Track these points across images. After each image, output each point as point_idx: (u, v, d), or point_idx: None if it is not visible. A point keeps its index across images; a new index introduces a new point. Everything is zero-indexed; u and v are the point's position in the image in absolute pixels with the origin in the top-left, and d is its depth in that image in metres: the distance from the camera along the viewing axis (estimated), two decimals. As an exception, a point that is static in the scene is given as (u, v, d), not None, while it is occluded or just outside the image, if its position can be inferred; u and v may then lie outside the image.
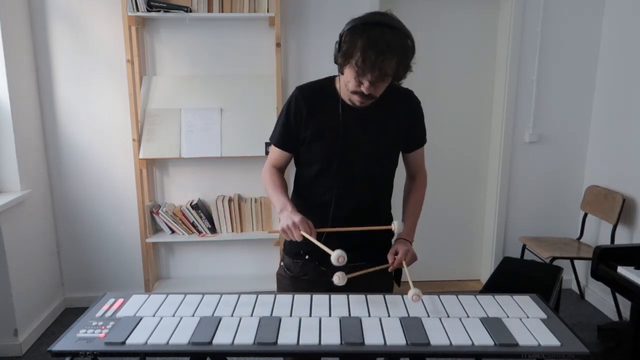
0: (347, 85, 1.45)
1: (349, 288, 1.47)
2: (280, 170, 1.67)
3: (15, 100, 2.75)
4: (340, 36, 1.42)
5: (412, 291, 1.40)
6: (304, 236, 1.43)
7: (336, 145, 1.53)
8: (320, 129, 1.54)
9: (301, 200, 1.64)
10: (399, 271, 1.68)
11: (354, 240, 1.54)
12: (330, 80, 1.57)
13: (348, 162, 1.55)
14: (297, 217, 1.44)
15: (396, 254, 1.55)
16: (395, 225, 1.54)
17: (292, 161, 1.68)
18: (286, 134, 1.59)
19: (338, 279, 1.42)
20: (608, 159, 3.18)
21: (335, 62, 1.44)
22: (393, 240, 1.64)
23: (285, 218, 1.46)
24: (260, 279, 3.27)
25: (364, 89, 1.41)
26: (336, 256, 1.35)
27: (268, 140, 1.68)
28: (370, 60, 1.34)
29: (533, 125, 3.31)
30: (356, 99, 1.46)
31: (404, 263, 1.53)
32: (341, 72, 1.46)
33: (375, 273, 1.53)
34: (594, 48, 3.24)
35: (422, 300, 1.45)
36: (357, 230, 1.53)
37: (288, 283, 1.65)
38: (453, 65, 3.34)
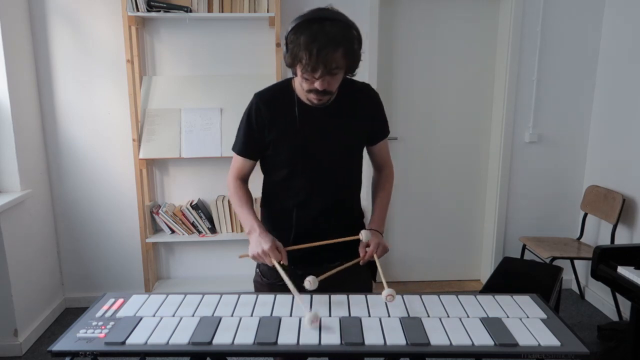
0: (302, 85, 1.46)
1: (327, 289, 1.47)
2: (245, 179, 1.67)
3: (15, 101, 2.75)
4: (285, 38, 1.42)
5: (386, 292, 1.39)
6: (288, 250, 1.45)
7: (300, 147, 1.54)
8: (282, 132, 1.54)
9: (271, 205, 1.65)
10: (374, 268, 1.68)
11: (321, 239, 1.54)
12: (288, 82, 1.57)
13: (314, 162, 1.56)
14: (266, 245, 1.45)
15: (367, 247, 1.54)
16: (363, 235, 1.53)
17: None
18: (249, 142, 1.59)
19: (309, 283, 1.41)
20: (608, 159, 3.18)
21: (286, 65, 1.45)
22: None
23: (255, 243, 1.47)
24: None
25: (317, 85, 1.41)
26: (310, 319, 1.31)
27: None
28: (315, 55, 1.34)
29: (533, 125, 3.31)
30: (313, 98, 1.46)
31: (375, 256, 1.52)
32: (294, 73, 1.46)
33: (353, 273, 1.52)
34: (594, 48, 3.24)
35: (422, 300, 1.45)
36: (325, 244, 1.53)
37: (265, 290, 1.62)
38: (453, 65, 3.34)
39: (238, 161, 1.63)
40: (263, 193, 1.68)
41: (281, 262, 1.46)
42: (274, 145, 1.56)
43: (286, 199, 1.60)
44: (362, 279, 1.64)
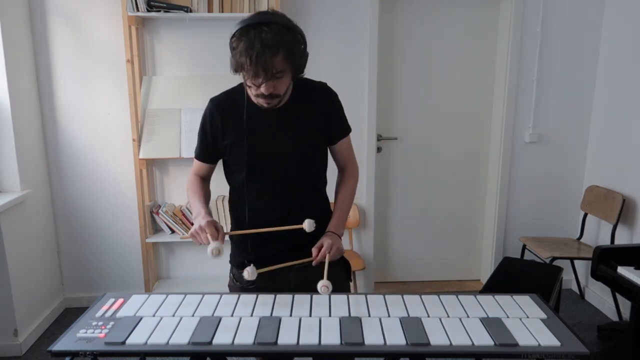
0: (250, 90, 1.47)
1: (303, 288, 1.48)
2: (204, 179, 1.68)
3: (15, 101, 2.75)
4: (230, 44, 1.43)
5: (322, 282, 1.39)
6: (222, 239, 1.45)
7: (255, 150, 1.53)
8: (237, 137, 1.53)
9: (234, 208, 1.65)
10: (348, 269, 1.69)
11: (295, 242, 1.54)
12: (241, 87, 1.56)
13: (270, 164, 1.55)
14: (203, 221, 1.45)
15: (321, 247, 1.53)
16: (306, 224, 1.49)
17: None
18: (205, 147, 1.61)
19: (248, 273, 1.42)
20: (608, 159, 3.18)
21: (232, 71, 1.46)
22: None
23: (195, 223, 1.47)
24: (260, 279, 3.27)
25: (262, 90, 1.41)
26: (210, 249, 1.38)
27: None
28: (255, 62, 1.35)
29: (533, 125, 3.31)
30: (262, 102, 1.47)
31: (326, 258, 1.50)
32: (243, 79, 1.47)
33: (329, 271, 1.49)
34: (594, 48, 3.24)
35: (422, 300, 1.45)
36: (269, 230, 1.52)
37: (237, 293, 1.59)
38: (453, 65, 3.34)
39: (197, 164, 1.67)
40: (229, 196, 1.69)
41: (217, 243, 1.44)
42: (229, 150, 1.56)
43: (247, 202, 1.59)
44: (338, 280, 1.60)
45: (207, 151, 1.62)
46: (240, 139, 1.53)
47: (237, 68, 1.42)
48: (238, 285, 1.64)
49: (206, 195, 1.64)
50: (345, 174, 1.72)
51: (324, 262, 1.49)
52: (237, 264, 1.66)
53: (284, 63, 1.39)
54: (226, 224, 3.13)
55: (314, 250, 1.52)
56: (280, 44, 1.36)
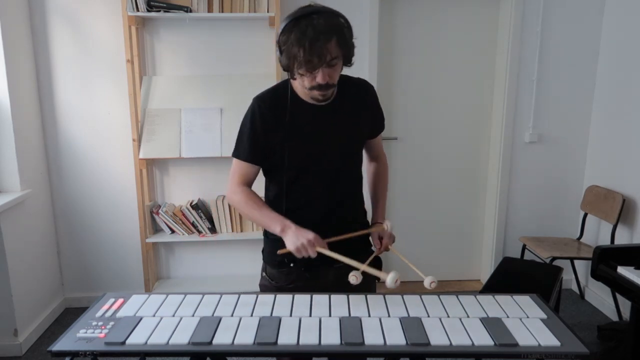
0: (303, 84, 1.45)
1: (341, 288, 1.48)
2: (250, 185, 1.62)
3: (15, 101, 2.75)
4: (277, 42, 1.42)
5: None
6: (318, 251, 1.43)
7: (306, 148, 1.53)
8: (287, 134, 1.51)
9: (276, 208, 1.60)
10: (379, 267, 1.68)
11: (336, 242, 1.53)
12: (286, 84, 1.55)
13: (318, 161, 1.55)
14: (310, 235, 1.43)
15: (380, 238, 1.58)
16: (388, 225, 1.58)
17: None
18: (255, 147, 1.54)
19: (355, 278, 1.42)
20: (608, 159, 3.18)
21: (283, 68, 1.44)
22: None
23: (295, 237, 1.43)
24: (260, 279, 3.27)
25: (318, 79, 1.40)
26: (393, 280, 1.36)
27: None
28: (309, 49, 1.34)
29: (533, 125, 3.31)
30: (317, 94, 1.45)
31: (390, 247, 1.58)
32: (292, 75, 1.45)
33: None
34: (594, 48, 3.24)
35: (422, 300, 1.45)
36: (358, 235, 1.56)
37: (273, 293, 1.58)
38: (453, 65, 3.34)
39: (242, 168, 1.57)
40: (265, 198, 1.65)
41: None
42: (279, 148, 1.53)
43: (292, 201, 1.58)
44: (366, 279, 1.63)
45: (257, 151, 1.54)
46: (285, 137, 1.52)
47: (289, 62, 1.39)
48: (274, 285, 1.62)
49: (265, 203, 1.59)
50: (380, 165, 1.77)
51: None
52: (276, 263, 1.61)
53: (337, 49, 1.38)
54: (226, 224, 3.14)
55: (376, 242, 1.59)
56: (332, 29, 1.36)
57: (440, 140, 3.44)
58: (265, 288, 1.66)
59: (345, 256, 1.45)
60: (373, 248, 1.67)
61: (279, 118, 1.52)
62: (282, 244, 1.49)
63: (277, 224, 1.49)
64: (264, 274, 1.68)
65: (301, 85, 1.47)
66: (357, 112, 1.59)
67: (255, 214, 1.54)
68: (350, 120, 1.57)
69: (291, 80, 1.52)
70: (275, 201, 1.62)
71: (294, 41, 1.35)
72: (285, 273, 1.60)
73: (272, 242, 1.59)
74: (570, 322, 3.02)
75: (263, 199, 1.63)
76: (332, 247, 1.48)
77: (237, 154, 1.58)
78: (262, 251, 1.70)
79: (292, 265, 1.55)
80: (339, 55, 1.41)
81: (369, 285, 1.65)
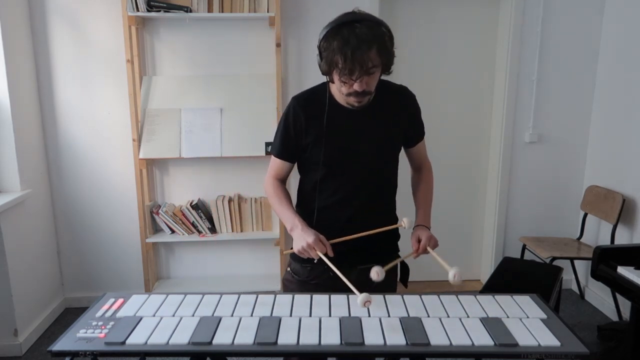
0: (341, 90, 1.47)
1: (363, 288, 1.46)
2: (282, 181, 1.69)
3: (15, 101, 2.75)
4: (318, 47, 1.44)
5: (452, 270, 1.42)
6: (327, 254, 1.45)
7: (337, 149, 1.55)
8: (320, 134, 1.55)
9: (306, 205, 1.65)
10: (406, 272, 1.71)
11: (361, 243, 1.56)
12: (324, 86, 1.58)
13: (350, 163, 1.57)
14: (310, 238, 1.46)
15: (418, 240, 1.58)
16: (405, 222, 1.59)
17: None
18: (287, 144, 1.60)
19: (377, 275, 1.42)
20: (608, 159, 3.18)
21: (322, 72, 1.46)
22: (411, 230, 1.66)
23: (299, 238, 1.48)
24: (260, 279, 3.27)
25: (356, 87, 1.42)
26: (362, 301, 1.32)
27: (268, 143, 1.68)
28: (350, 58, 1.35)
29: (533, 125, 3.31)
30: (353, 100, 1.48)
31: (429, 248, 1.57)
32: (331, 80, 1.48)
33: (388, 272, 1.52)
34: (594, 48, 3.24)
35: (422, 300, 1.45)
36: (368, 234, 1.56)
37: (296, 288, 1.65)
38: (453, 65, 3.34)
39: (276, 163, 1.65)
40: (299, 193, 1.70)
41: (327, 254, 1.47)
42: (311, 147, 1.57)
43: (322, 200, 1.61)
44: (389, 281, 1.64)
45: (289, 149, 1.61)
46: (320, 138, 1.54)
47: (329, 68, 1.41)
48: (297, 279, 1.66)
49: (290, 199, 1.65)
50: (423, 172, 1.79)
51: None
52: (300, 259, 1.61)
53: (377, 57, 1.40)
54: (226, 225, 3.13)
55: (414, 244, 1.59)
56: (374, 37, 1.37)
57: (440, 140, 3.44)
58: (288, 282, 1.70)
59: (370, 258, 1.51)
60: (400, 253, 1.70)
61: (314, 118, 1.55)
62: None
63: (288, 221, 1.56)
64: (288, 269, 1.71)
65: (339, 91, 1.49)
66: (393, 118, 1.60)
67: (277, 207, 1.63)
68: (384, 125, 1.58)
69: (328, 83, 1.54)
70: (306, 199, 1.66)
71: (336, 48, 1.36)
72: (308, 269, 1.63)
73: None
74: (570, 322, 3.02)
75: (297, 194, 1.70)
76: (357, 247, 1.53)
77: (272, 149, 1.67)
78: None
79: (315, 261, 1.56)
80: (379, 64, 1.42)
81: (390, 285, 1.67)
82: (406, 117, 1.63)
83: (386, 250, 1.67)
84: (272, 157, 1.66)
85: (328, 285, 1.56)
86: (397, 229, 1.71)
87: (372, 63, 1.39)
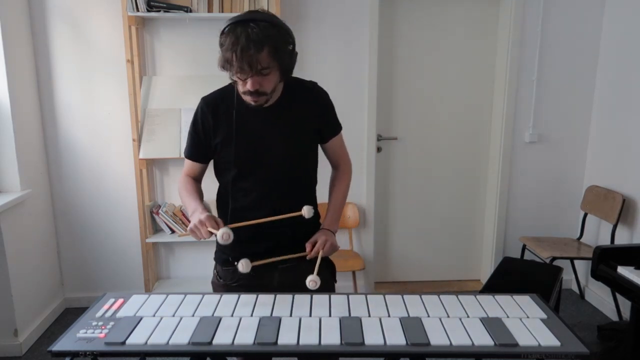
0: (238, 88, 1.48)
1: (287, 288, 1.48)
2: (196, 180, 1.69)
3: (15, 101, 2.75)
4: (219, 43, 1.44)
5: (311, 277, 1.39)
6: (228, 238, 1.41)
7: (245, 149, 1.54)
8: (227, 135, 1.54)
9: (223, 206, 1.65)
10: (333, 268, 1.70)
11: (278, 238, 1.55)
12: (232, 86, 1.56)
13: (260, 163, 1.56)
14: (203, 215, 1.44)
15: (315, 242, 1.54)
16: (305, 211, 1.51)
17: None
18: (196, 146, 1.61)
19: (242, 266, 1.43)
20: (608, 159, 3.18)
21: (219, 68, 1.46)
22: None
23: (193, 219, 1.46)
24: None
25: (249, 86, 1.42)
26: (221, 234, 1.34)
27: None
28: (239, 57, 1.36)
29: (533, 125, 3.31)
30: (249, 99, 1.47)
31: (320, 252, 1.51)
32: (230, 78, 1.48)
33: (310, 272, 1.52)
34: (594, 48, 3.24)
35: (422, 300, 1.45)
36: (269, 220, 1.52)
37: (222, 291, 1.61)
38: (453, 65, 3.34)
39: (188, 164, 1.67)
40: (217, 195, 1.69)
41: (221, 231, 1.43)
42: (220, 148, 1.57)
43: (237, 200, 1.60)
44: (322, 281, 1.61)
45: (199, 150, 1.62)
46: (230, 138, 1.54)
47: (223, 64, 1.42)
48: (222, 283, 1.65)
49: (200, 194, 1.65)
50: (339, 171, 1.74)
51: (315, 259, 1.50)
52: (222, 261, 1.66)
53: (269, 59, 1.39)
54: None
55: (308, 246, 1.54)
56: (265, 39, 1.37)
57: (440, 140, 3.44)
58: (215, 285, 1.69)
59: (287, 254, 1.53)
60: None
61: (222, 119, 1.55)
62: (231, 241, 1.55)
63: (190, 208, 1.54)
64: (214, 271, 1.71)
65: (238, 89, 1.50)
66: (302, 116, 1.58)
67: (183, 199, 1.62)
68: (294, 123, 1.57)
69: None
70: (223, 200, 1.66)
71: (228, 45, 1.37)
72: (230, 272, 1.62)
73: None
74: (570, 322, 3.02)
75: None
76: (274, 241, 1.55)
77: (184, 150, 1.68)
78: (215, 250, 1.72)
79: (236, 263, 1.55)
80: (273, 66, 1.41)
81: (326, 285, 1.64)
82: (316, 113, 1.61)
83: (300, 247, 1.59)
84: (185, 158, 1.67)
85: (252, 285, 1.56)
86: (318, 224, 1.68)
87: (262, 64, 1.38)
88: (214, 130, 1.56)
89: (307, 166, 1.66)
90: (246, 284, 1.58)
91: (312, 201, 1.69)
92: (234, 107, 1.54)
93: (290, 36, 1.46)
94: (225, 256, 1.64)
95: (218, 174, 1.66)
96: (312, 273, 1.45)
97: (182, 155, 2.93)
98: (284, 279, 1.55)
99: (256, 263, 1.47)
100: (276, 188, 1.58)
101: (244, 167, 1.56)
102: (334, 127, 1.68)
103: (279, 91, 1.54)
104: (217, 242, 1.66)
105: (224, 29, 1.42)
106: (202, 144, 1.60)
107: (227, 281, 1.63)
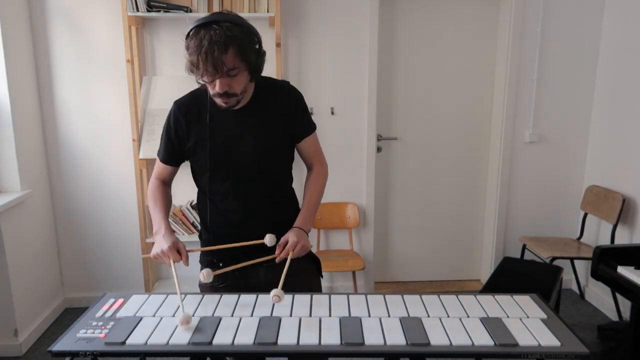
0: (209, 90, 1.47)
1: (273, 286, 1.45)
2: (166, 182, 1.69)
3: (15, 101, 2.75)
4: (185, 47, 1.44)
5: (274, 291, 1.35)
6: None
7: (218, 151, 1.54)
8: (200, 137, 1.55)
9: (202, 209, 1.65)
10: (319, 264, 1.69)
11: (259, 239, 1.54)
12: (205, 89, 1.56)
13: (234, 164, 1.56)
14: (165, 245, 1.45)
15: (286, 243, 1.53)
16: (267, 240, 1.51)
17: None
18: (169, 149, 1.62)
19: (203, 276, 1.44)
20: (608, 159, 3.18)
21: (187, 72, 1.45)
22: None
23: (157, 244, 1.48)
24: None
25: (217, 88, 1.42)
26: (181, 320, 1.30)
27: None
28: (203, 59, 1.35)
29: (533, 125, 3.31)
30: (220, 101, 1.47)
31: (290, 254, 1.50)
32: (197, 81, 1.48)
33: (300, 270, 1.51)
34: (594, 48, 3.24)
35: (422, 300, 1.45)
36: (232, 246, 1.53)
37: (208, 293, 1.60)
38: (453, 65, 3.34)
39: (159, 167, 1.67)
40: (197, 198, 1.70)
41: (182, 263, 1.48)
42: (193, 151, 1.57)
43: (215, 203, 1.60)
44: (307, 279, 1.63)
45: (171, 153, 1.62)
46: (203, 140, 1.54)
47: (190, 68, 1.41)
48: (208, 285, 1.63)
49: (167, 203, 1.65)
50: (313, 172, 1.72)
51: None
52: (206, 263, 1.66)
53: (235, 60, 1.39)
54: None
55: (278, 247, 1.52)
56: (229, 40, 1.36)
57: (440, 140, 3.44)
58: (202, 287, 1.69)
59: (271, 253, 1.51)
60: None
61: (195, 122, 1.55)
62: (211, 244, 1.60)
63: (155, 224, 1.56)
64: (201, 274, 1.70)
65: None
66: (275, 115, 1.57)
67: (151, 209, 1.62)
68: (267, 123, 1.57)
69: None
70: (201, 203, 1.66)
71: (193, 49, 1.37)
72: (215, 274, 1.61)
73: (204, 243, 1.68)
74: (570, 322, 3.02)
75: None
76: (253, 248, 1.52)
77: (157, 153, 1.68)
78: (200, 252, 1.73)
79: (221, 265, 1.56)
80: (239, 66, 1.41)
81: (313, 283, 1.66)
82: (288, 113, 1.60)
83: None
84: (157, 160, 1.68)
85: (237, 285, 1.58)
86: (297, 208, 1.68)
87: (228, 65, 1.37)
88: (187, 134, 1.57)
89: (282, 165, 1.65)
90: (233, 284, 1.60)
91: (289, 199, 1.70)
92: (207, 109, 1.54)
93: (255, 35, 1.46)
94: (210, 258, 1.66)
95: (195, 177, 1.65)
96: (298, 270, 1.44)
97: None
98: (270, 277, 1.54)
99: (217, 272, 1.48)
100: (251, 189, 1.58)
101: (218, 169, 1.56)
102: (307, 127, 1.66)
103: (250, 92, 1.54)
104: (201, 245, 1.71)
105: (189, 32, 1.41)
106: (174, 148, 1.61)
107: (212, 283, 1.61)
